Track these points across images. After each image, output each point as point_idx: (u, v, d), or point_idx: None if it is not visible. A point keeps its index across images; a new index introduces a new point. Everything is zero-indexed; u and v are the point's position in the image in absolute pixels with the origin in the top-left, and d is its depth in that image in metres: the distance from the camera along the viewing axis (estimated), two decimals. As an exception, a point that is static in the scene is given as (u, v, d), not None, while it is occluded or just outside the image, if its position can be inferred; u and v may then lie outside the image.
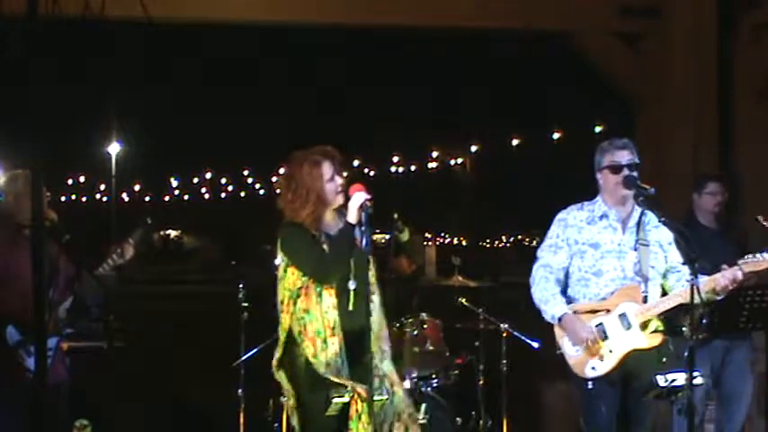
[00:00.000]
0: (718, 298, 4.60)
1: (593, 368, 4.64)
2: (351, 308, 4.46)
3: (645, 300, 4.63)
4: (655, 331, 4.65)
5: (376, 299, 4.56)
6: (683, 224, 4.86)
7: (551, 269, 4.79)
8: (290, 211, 4.51)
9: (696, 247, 4.34)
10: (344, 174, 4.58)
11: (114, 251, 4.90)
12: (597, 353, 4.59)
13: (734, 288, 4.59)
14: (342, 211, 4.56)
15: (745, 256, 4.59)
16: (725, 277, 4.53)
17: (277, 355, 4.56)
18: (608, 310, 4.65)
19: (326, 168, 4.51)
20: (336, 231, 4.51)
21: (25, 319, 4.58)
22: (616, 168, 4.71)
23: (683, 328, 4.67)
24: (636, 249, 4.68)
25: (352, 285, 4.50)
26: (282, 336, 4.55)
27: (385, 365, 4.58)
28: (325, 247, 4.49)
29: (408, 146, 49.53)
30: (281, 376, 4.56)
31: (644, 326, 4.63)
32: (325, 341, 4.44)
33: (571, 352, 4.70)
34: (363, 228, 4.40)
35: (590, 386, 4.64)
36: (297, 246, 4.51)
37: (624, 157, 4.72)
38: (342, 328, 4.47)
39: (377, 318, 4.54)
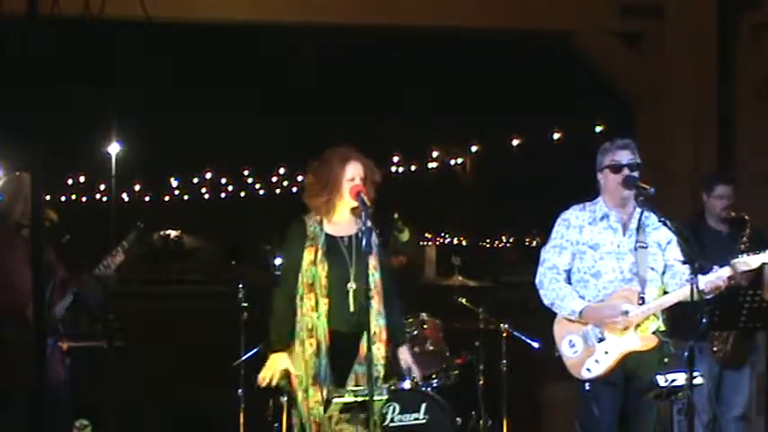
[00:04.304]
0: (708, 297, 4.57)
1: (588, 370, 4.64)
2: (352, 309, 4.49)
3: (642, 301, 4.62)
4: (654, 332, 4.65)
5: (374, 302, 4.58)
6: (691, 224, 4.85)
7: (558, 270, 4.78)
8: (310, 195, 4.67)
9: (696, 247, 4.33)
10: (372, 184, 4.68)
11: (106, 258, 4.92)
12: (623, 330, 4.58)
13: (726, 287, 4.59)
14: (360, 216, 4.61)
15: (739, 256, 4.60)
16: (720, 278, 4.53)
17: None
18: None
19: (353, 167, 4.62)
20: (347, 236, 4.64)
21: (22, 318, 4.59)
22: (617, 168, 4.70)
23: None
24: (635, 250, 4.68)
25: (352, 287, 4.53)
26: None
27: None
28: (320, 254, 4.54)
29: (408, 146, 49.55)
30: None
31: (639, 327, 4.62)
32: (303, 343, 4.55)
33: (569, 354, 4.70)
34: (363, 228, 4.43)
35: (587, 388, 4.65)
36: (283, 252, 4.72)
37: (625, 156, 4.71)
38: (337, 329, 4.54)
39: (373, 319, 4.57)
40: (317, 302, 4.53)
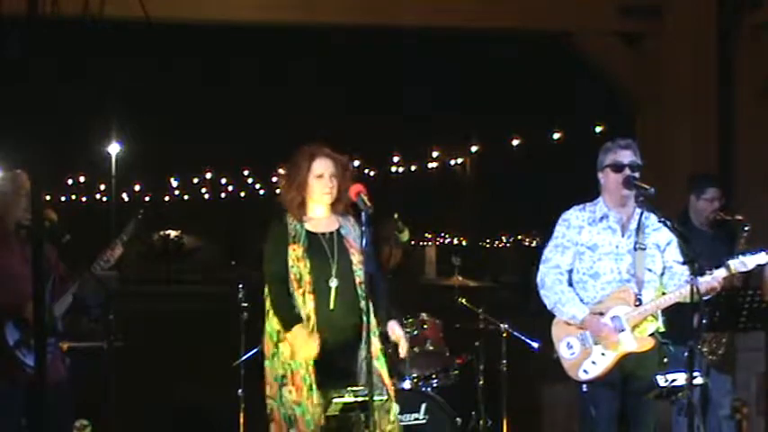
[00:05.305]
0: (705, 298, 4.57)
1: (585, 371, 4.65)
2: (332, 307, 4.48)
3: (639, 303, 4.62)
4: (652, 334, 4.65)
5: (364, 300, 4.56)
6: (678, 223, 4.86)
7: (561, 270, 4.78)
8: (282, 194, 4.64)
9: (695, 247, 4.33)
10: (346, 179, 4.61)
11: (105, 252, 4.92)
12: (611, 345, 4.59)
13: (721, 288, 4.59)
14: (345, 215, 4.59)
15: (733, 257, 4.60)
16: (715, 279, 4.53)
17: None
18: (601, 313, 4.65)
19: (320, 164, 4.59)
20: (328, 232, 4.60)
21: (20, 317, 4.60)
22: (618, 167, 4.70)
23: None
24: (634, 251, 4.67)
25: (333, 284, 4.51)
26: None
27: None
28: (300, 250, 4.51)
29: (408, 146, 49.58)
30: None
31: (637, 328, 4.62)
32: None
33: (566, 355, 4.71)
34: (364, 228, 4.42)
35: (584, 389, 4.65)
36: (265, 250, 4.62)
37: (627, 156, 4.71)
38: (321, 327, 4.49)
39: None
40: (316, 299, 4.52)
